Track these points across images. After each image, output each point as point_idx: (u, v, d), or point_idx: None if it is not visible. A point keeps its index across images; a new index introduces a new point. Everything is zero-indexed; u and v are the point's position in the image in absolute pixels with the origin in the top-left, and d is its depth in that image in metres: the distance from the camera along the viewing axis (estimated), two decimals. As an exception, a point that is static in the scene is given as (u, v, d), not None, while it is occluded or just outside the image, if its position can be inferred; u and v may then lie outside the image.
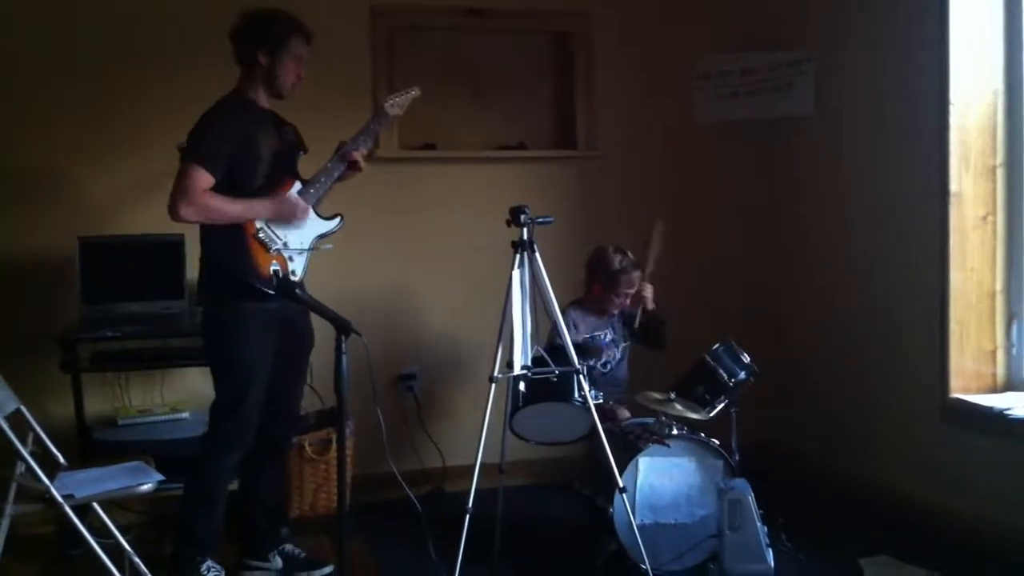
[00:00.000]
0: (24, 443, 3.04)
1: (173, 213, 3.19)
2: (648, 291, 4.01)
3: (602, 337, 4.06)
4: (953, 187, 3.82)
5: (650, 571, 3.34)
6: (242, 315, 3.29)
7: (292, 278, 3.34)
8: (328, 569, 3.57)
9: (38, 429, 3.27)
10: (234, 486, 3.56)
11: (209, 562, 3.37)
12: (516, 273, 3.35)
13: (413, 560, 3.57)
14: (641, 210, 4.77)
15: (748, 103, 4.74)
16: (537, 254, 3.37)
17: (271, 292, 3.26)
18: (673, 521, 3.50)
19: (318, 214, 3.48)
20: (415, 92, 3.58)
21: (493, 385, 3.35)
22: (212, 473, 3.35)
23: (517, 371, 3.33)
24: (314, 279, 3.47)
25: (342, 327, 2.80)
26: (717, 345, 3.75)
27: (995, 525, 3.66)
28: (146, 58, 4.22)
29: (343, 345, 2.79)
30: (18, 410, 3.21)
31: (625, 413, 3.83)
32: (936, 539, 3.82)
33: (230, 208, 3.25)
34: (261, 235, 3.31)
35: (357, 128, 3.50)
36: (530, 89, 4.88)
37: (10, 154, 4.14)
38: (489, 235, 3.79)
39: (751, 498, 3.30)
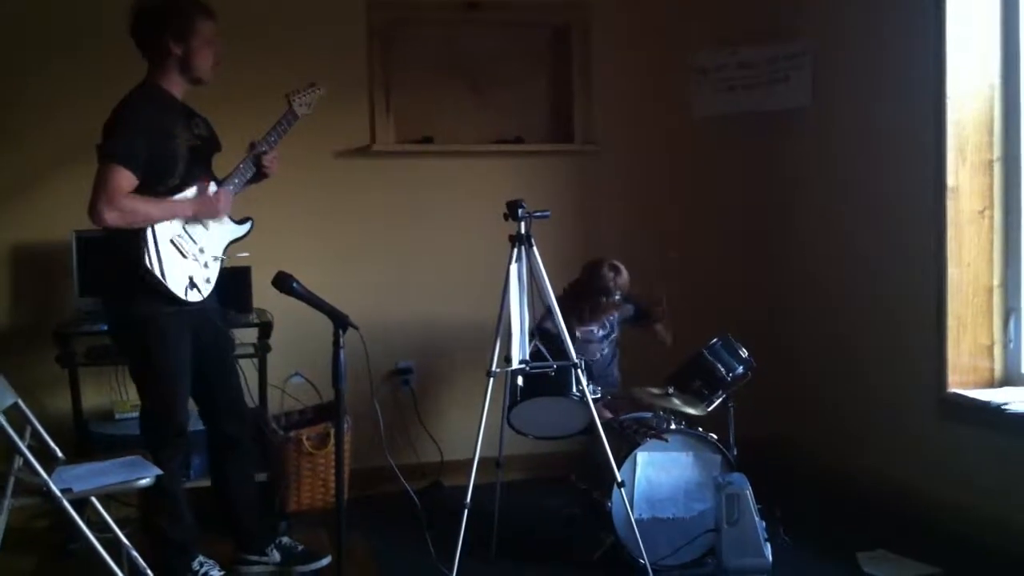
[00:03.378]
0: (22, 437, 3.03)
1: (95, 217, 2.97)
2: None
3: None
4: (950, 182, 3.82)
5: (648, 565, 3.35)
6: (158, 320, 3.12)
7: (206, 285, 3.21)
8: (326, 561, 3.56)
9: (35, 423, 3.26)
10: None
11: (200, 558, 3.35)
12: (514, 267, 3.35)
13: (411, 553, 3.57)
14: (638, 204, 4.79)
15: (746, 96, 4.75)
16: (534, 248, 3.37)
17: (186, 300, 3.14)
18: (671, 515, 3.50)
19: (230, 218, 3.32)
20: (321, 91, 3.41)
21: (491, 379, 3.35)
22: (163, 477, 3.15)
23: (515, 365, 3.33)
24: (310, 272, 3.40)
25: (339, 321, 2.79)
26: (715, 339, 3.75)
27: (992, 519, 3.67)
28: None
29: (340, 339, 2.78)
30: (15, 404, 3.21)
31: (607, 414, 3.82)
32: (933, 533, 3.82)
33: (152, 210, 3.06)
34: (176, 240, 3.13)
35: (267, 128, 3.33)
36: (527, 82, 4.86)
37: (5, 147, 4.12)
38: (486, 229, 3.78)
39: (749, 493, 3.30)
